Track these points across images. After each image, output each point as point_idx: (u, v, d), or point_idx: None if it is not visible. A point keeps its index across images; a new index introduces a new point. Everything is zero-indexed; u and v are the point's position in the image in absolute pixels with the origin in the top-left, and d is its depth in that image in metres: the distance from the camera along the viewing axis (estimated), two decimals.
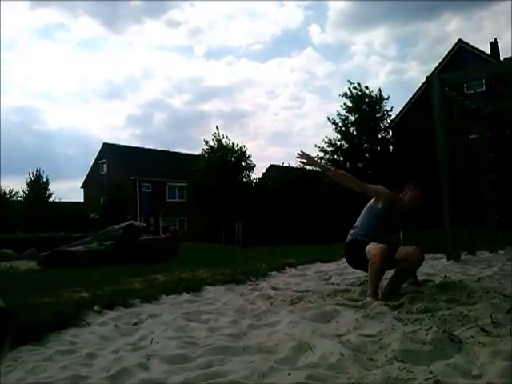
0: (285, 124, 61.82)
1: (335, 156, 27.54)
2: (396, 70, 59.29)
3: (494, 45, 26.22)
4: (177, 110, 63.17)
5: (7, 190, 34.30)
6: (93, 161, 40.32)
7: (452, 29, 54.47)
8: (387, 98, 27.30)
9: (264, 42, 65.07)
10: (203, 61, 63.02)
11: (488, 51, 25.73)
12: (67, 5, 57.67)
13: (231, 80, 62.59)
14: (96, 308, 3.25)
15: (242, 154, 30.02)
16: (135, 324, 2.94)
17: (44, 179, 34.20)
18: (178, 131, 61.32)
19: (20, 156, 49.71)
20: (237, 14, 62.40)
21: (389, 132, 27.76)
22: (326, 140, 27.39)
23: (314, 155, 27.54)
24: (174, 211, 36.53)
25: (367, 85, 27.94)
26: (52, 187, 34.43)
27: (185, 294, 3.97)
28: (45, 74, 61.88)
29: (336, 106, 26.52)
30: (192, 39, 60.82)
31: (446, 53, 26.18)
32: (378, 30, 58.62)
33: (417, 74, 55.08)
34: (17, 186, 33.96)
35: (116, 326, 2.85)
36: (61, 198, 34.97)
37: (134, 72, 63.70)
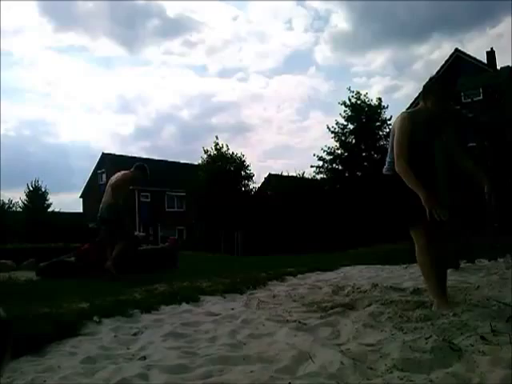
0: (287, 137, 62.83)
1: (334, 165, 27.60)
2: (393, 86, 60.83)
3: (491, 54, 26.41)
4: (186, 123, 64.30)
5: (6, 201, 34.34)
6: (92, 171, 40.36)
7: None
8: (386, 107, 27.44)
9: (272, 61, 66.59)
10: (216, 79, 64.67)
11: (485, 60, 25.91)
12: (88, 27, 59.88)
13: (239, 95, 63.90)
14: (95, 318, 3.23)
15: (241, 164, 30.07)
16: (135, 334, 2.93)
17: (43, 189, 34.25)
18: (186, 144, 62.41)
19: (29, 168, 50.45)
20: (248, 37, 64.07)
21: (388, 141, 27.84)
22: (325, 149, 27.47)
23: (313, 164, 27.63)
24: (173, 221, 36.49)
25: (366, 92, 28.16)
26: (60, 199, 34.74)
27: (184, 303, 3.96)
28: (60, 88, 64.36)
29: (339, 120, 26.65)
30: (207, 58, 62.99)
31: (443, 62, 26.37)
32: (377, 52, 60.56)
33: (413, 91, 56.39)
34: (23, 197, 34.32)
35: (115, 336, 2.84)
36: (60, 209, 35.00)
37: (146, 87, 65.21)
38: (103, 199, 6.77)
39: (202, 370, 2.10)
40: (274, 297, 4.23)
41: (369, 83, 58.53)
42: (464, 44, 63.61)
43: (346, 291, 4.29)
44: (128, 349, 2.59)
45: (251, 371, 2.03)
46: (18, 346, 2.34)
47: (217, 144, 30.25)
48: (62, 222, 29.97)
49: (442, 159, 3.31)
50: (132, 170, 6.93)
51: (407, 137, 3.16)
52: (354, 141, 27.29)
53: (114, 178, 6.83)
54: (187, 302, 4.00)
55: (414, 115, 3.29)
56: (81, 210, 40.07)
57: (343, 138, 27.39)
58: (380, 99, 27.63)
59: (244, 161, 30.32)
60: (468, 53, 26.66)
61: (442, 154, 3.31)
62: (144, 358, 2.37)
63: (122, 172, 6.96)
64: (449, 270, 5.74)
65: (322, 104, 62.78)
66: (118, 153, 39.86)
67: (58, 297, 4.35)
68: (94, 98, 65.27)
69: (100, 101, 66.96)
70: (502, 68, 6.68)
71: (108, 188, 6.74)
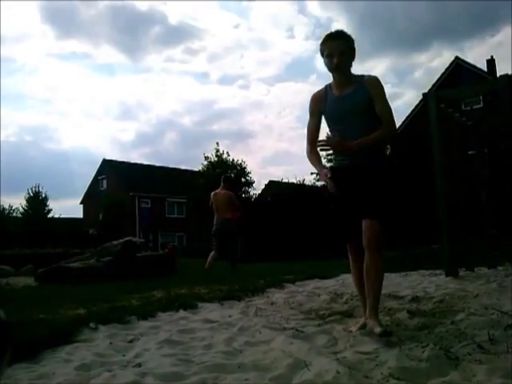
0: (287, 144, 63.15)
1: None
2: (393, 94, 61.22)
3: (491, 62, 26.50)
4: (187, 130, 64.57)
5: (6, 206, 34.34)
6: (92, 177, 40.40)
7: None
8: None
9: (274, 68, 67.29)
10: (217, 86, 64.99)
11: (485, 68, 26.00)
12: (90, 34, 60.44)
13: (241, 102, 64.22)
14: (91, 325, 3.22)
15: (241, 170, 30.10)
16: (130, 341, 2.91)
17: (43, 195, 34.23)
18: (187, 150, 62.65)
19: (30, 174, 50.58)
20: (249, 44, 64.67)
21: (388, 147, 27.85)
22: (325, 156, 27.49)
23: (313, 171, 27.67)
24: (173, 227, 36.45)
25: None
26: (60, 204, 34.74)
27: (181, 310, 3.94)
28: (62, 94, 64.88)
29: None
30: (208, 66, 63.39)
31: (444, 70, 26.46)
32: (377, 60, 61.07)
33: (413, 99, 56.79)
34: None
35: (111, 343, 2.82)
36: (60, 215, 34.96)
37: (147, 94, 65.47)
38: (218, 215, 8.14)
39: (197, 378, 2.09)
40: (271, 304, 4.21)
41: None
42: (464, 52, 64.13)
43: (345, 299, 4.27)
44: (123, 356, 2.57)
45: (246, 379, 2.02)
46: (13, 352, 2.32)
47: (217, 150, 30.32)
48: (62, 228, 29.95)
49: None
50: (223, 185, 8.28)
51: (311, 118, 3.03)
52: None
53: (221, 198, 8.14)
54: (184, 309, 3.99)
55: (317, 92, 3.03)
56: (81, 216, 40.06)
57: None
58: None
59: (244, 167, 30.38)
60: (468, 61, 26.77)
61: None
62: (139, 365, 2.35)
63: (223, 191, 8.21)
64: (448, 278, 5.74)
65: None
66: (118, 159, 39.97)
67: (55, 303, 4.35)
68: (96, 104, 65.61)
69: (101, 107, 67.30)
70: (500, 76, 6.70)
71: (221, 206, 8.10)
